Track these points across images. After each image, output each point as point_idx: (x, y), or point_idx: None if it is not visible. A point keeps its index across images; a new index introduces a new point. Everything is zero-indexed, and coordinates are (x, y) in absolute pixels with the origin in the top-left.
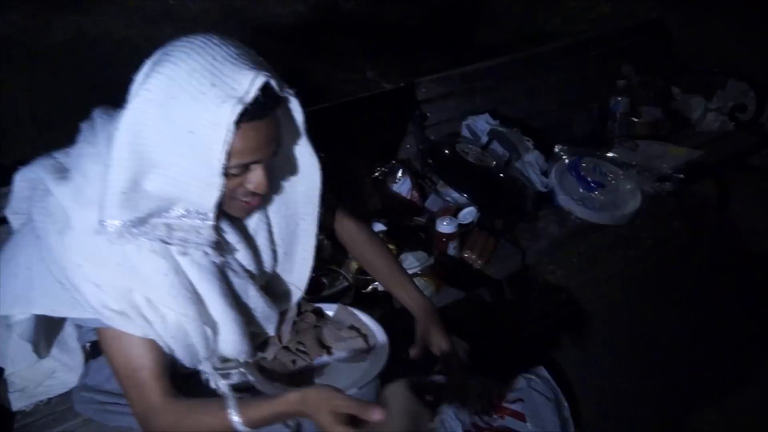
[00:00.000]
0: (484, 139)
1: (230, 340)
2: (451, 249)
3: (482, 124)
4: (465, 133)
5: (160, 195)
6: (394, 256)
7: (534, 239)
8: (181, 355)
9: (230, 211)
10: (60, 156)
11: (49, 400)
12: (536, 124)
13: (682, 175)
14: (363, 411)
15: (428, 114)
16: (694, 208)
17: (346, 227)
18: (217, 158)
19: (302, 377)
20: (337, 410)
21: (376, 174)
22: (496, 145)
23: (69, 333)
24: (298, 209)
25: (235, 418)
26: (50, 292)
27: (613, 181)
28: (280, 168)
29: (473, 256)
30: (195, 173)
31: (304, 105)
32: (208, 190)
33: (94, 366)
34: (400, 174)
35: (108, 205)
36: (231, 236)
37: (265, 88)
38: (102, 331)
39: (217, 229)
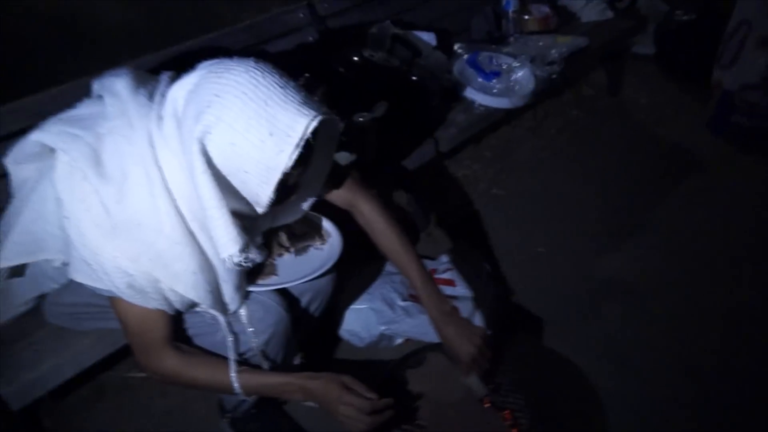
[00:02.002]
0: (388, 43)
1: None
2: (369, 143)
3: (384, 30)
4: (369, 41)
5: None
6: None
7: (445, 129)
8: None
9: None
10: (81, 131)
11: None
12: (438, 27)
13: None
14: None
15: (332, 28)
16: (589, 96)
17: (362, 206)
18: (266, 197)
19: (264, 272)
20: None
21: None
22: (400, 49)
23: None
24: None
25: (236, 383)
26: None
27: (508, 70)
28: None
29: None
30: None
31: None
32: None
33: (70, 288)
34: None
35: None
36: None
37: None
38: (115, 301)
39: None
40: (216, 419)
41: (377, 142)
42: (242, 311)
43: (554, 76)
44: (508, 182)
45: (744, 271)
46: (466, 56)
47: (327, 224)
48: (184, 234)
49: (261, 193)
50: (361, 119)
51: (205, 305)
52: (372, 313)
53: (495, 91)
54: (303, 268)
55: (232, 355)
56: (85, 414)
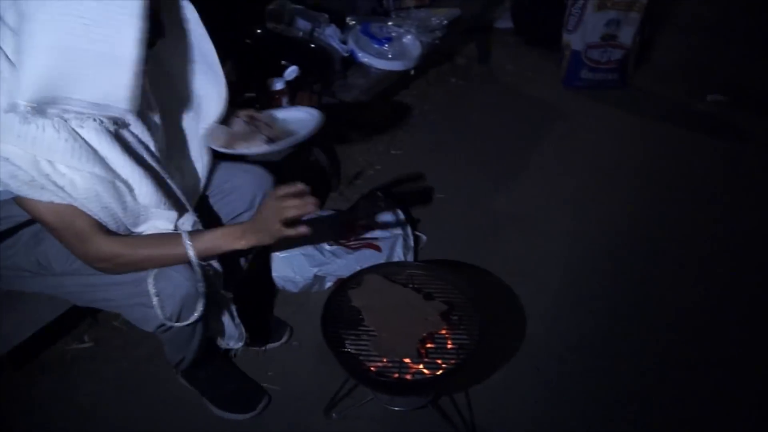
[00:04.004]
0: (287, 17)
1: (146, 193)
2: (284, 104)
3: (282, 6)
4: (269, 16)
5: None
6: None
7: (347, 91)
8: (104, 218)
9: None
10: None
11: None
12: (327, 6)
13: (446, 22)
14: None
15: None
16: (463, 65)
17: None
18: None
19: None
20: (284, 205)
21: None
22: (299, 22)
23: None
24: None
25: (189, 246)
26: None
27: (397, 37)
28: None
29: None
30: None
31: None
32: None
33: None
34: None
35: (24, 89)
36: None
37: None
38: (22, 201)
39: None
40: (166, 379)
41: (290, 104)
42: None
43: (437, 41)
44: (404, 143)
45: (609, 195)
46: (359, 27)
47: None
48: None
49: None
50: (275, 84)
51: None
52: (303, 257)
53: (388, 55)
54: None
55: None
56: (30, 387)
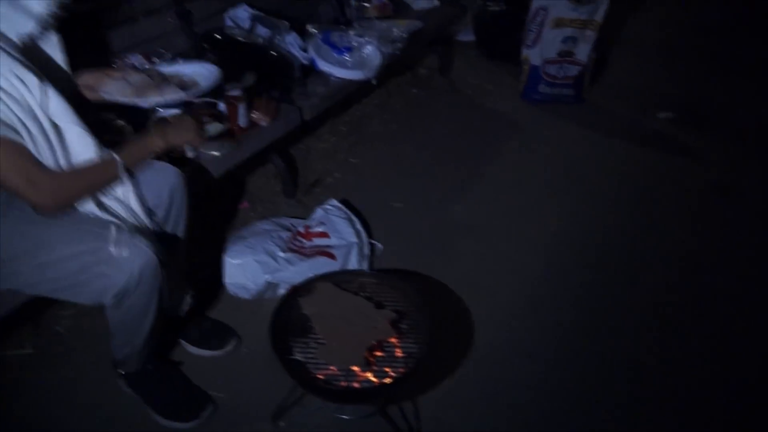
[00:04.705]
0: (248, 24)
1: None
2: (241, 111)
3: (242, 12)
4: (228, 23)
5: None
6: None
7: (306, 99)
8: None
9: None
10: None
11: None
12: (288, 14)
13: (405, 35)
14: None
15: (192, 11)
16: (425, 76)
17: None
18: None
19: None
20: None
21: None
22: (259, 29)
23: None
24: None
25: (117, 159)
26: None
27: (358, 47)
28: None
29: (260, 116)
30: None
31: None
32: None
33: None
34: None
35: None
36: None
37: None
38: None
39: None
40: (109, 386)
41: (247, 110)
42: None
43: (397, 52)
44: (363, 152)
45: (560, 207)
46: (320, 35)
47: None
48: None
49: None
50: (232, 90)
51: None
52: (257, 264)
53: (348, 64)
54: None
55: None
56: None
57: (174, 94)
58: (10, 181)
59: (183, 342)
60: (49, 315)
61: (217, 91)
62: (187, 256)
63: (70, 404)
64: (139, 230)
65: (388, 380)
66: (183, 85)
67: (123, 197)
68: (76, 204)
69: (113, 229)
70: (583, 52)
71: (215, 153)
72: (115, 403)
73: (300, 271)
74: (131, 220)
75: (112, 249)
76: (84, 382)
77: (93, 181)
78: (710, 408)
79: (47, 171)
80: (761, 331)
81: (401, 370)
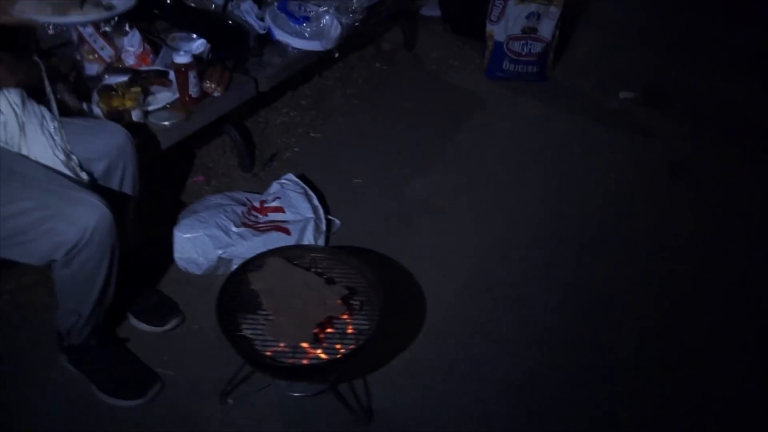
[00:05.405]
0: None
1: None
2: (192, 80)
3: None
4: None
5: None
6: None
7: (262, 70)
8: None
9: None
10: None
11: None
12: None
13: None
14: None
15: None
16: (388, 50)
17: None
18: None
19: None
20: None
21: (104, 29)
22: None
23: None
24: None
25: None
26: None
27: (316, 16)
28: None
29: (212, 86)
30: None
31: None
32: None
33: None
34: (127, 27)
35: None
36: None
37: None
38: None
39: None
40: (51, 364)
41: (199, 80)
42: None
43: (357, 23)
44: (324, 126)
45: (521, 185)
46: (276, 3)
47: None
48: None
49: None
50: (180, 56)
51: None
52: (208, 239)
53: (306, 34)
54: None
55: None
56: None
57: (96, 14)
58: None
59: (129, 315)
60: None
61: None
62: (140, 218)
63: (11, 382)
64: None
65: (337, 357)
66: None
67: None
68: None
69: (64, 182)
70: (547, 29)
71: (165, 123)
72: (57, 381)
73: (253, 246)
74: (65, 171)
75: (65, 204)
76: (21, 362)
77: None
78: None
79: None
80: (714, 313)
81: (351, 346)
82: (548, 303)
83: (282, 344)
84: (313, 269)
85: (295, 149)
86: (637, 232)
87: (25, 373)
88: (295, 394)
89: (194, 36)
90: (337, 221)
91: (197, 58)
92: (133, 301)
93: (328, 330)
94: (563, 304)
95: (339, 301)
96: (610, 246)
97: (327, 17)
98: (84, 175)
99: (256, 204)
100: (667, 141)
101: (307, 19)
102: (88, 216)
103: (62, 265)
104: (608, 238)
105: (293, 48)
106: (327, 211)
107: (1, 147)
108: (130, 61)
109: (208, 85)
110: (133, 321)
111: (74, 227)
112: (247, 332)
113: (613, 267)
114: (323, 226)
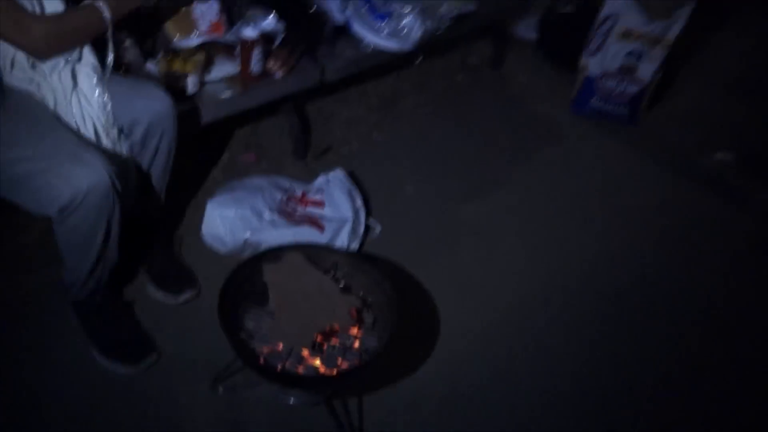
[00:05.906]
0: None
1: None
2: (256, 56)
3: None
4: None
5: None
6: None
7: (332, 60)
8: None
9: None
10: None
11: None
12: None
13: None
14: None
15: None
16: (473, 64)
17: None
18: None
19: None
20: None
21: None
22: None
23: None
24: None
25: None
26: None
27: (398, 15)
28: None
29: (275, 66)
30: None
31: None
32: None
33: None
34: None
35: None
36: None
37: None
38: None
39: None
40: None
41: (263, 58)
42: None
43: (439, 31)
44: (389, 129)
45: (582, 230)
46: None
47: None
48: None
49: None
50: (244, 30)
51: None
52: (238, 220)
53: (384, 32)
54: None
55: None
56: None
57: None
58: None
59: (147, 281)
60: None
61: None
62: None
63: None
64: (100, 149)
65: (334, 371)
66: None
67: (88, 100)
68: (68, 50)
69: (69, 139)
70: (647, 70)
71: (219, 95)
72: (57, 332)
73: (282, 235)
74: (89, 133)
75: (65, 161)
76: (35, 302)
77: (78, 24)
78: None
79: (34, 16)
80: None
81: (354, 362)
82: (575, 356)
83: (280, 344)
84: (331, 273)
85: (354, 145)
86: (699, 310)
87: (31, 321)
88: (289, 402)
89: (272, 15)
90: (378, 228)
91: (266, 36)
92: (153, 266)
93: (333, 340)
94: (595, 373)
95: (350, 313)
96: (668, 318)
97: (409, 18)
98: (110, 138)
99: (298, 194)
100: (759, 214)
101: (389, 15)
102: (85, 177)
103: (57, 222)
104: (670, 310)
105: (368, 43)
106: (369, 215)
107: (33, 93)
108: (203, 27)
109: (272, 64)
110: (150, 288)
111: (68, 186)
112: (249, 324)
113: (665, 344)
114: (361, 230)
